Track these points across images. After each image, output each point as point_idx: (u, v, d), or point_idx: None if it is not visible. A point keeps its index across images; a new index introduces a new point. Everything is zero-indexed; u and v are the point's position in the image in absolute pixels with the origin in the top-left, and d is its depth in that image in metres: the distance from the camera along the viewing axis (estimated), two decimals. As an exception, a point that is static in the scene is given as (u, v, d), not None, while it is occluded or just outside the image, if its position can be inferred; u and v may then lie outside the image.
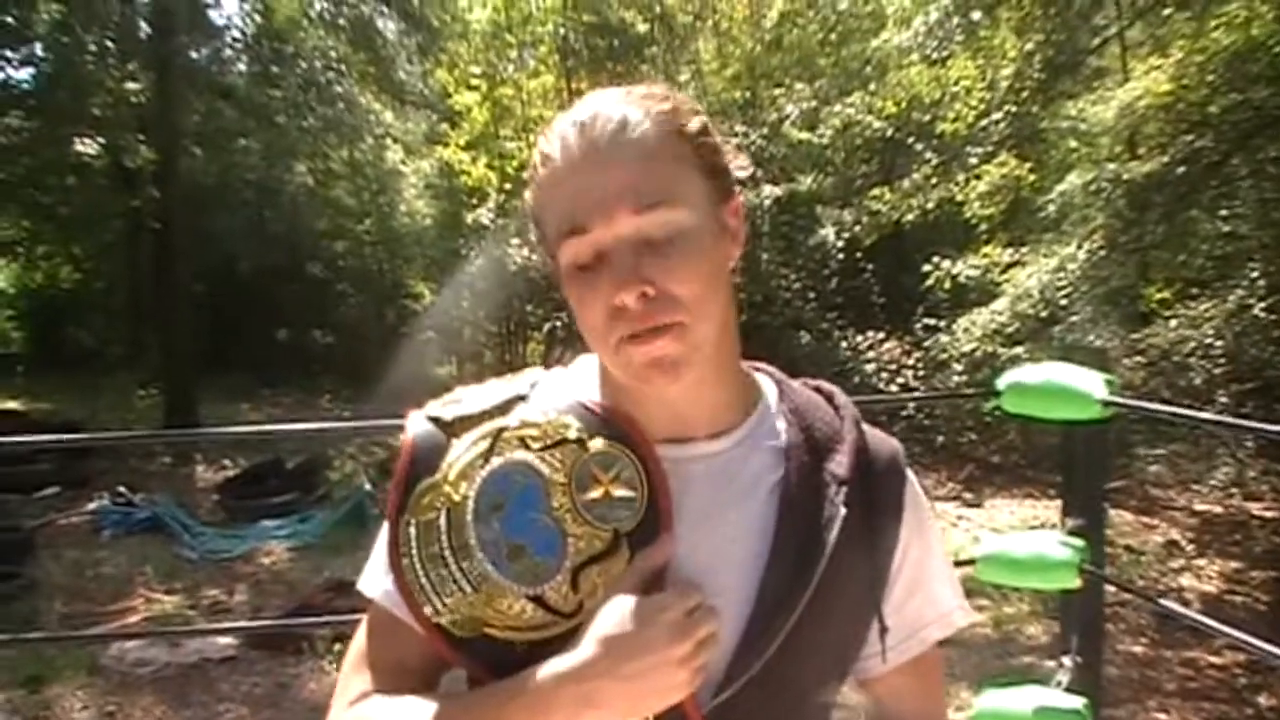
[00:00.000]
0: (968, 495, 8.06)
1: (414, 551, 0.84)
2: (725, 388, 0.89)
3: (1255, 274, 6.75)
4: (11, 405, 11.09)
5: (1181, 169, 6.32)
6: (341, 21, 13.87)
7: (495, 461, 0.85)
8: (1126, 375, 6.53)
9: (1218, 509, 7.28)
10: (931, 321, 9.23)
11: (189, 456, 9.19)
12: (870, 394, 8.17)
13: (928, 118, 9.62)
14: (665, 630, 0.77)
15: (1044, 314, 7.14)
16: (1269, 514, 7.05)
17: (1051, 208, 7.54)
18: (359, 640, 0.89)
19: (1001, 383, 2.03)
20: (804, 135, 10.41)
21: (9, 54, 10.80)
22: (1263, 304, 6.52)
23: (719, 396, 0.88)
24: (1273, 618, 5.42)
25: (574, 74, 11.66)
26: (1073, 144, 8.49)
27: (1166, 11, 7.04)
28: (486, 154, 12.06)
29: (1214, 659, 4.94)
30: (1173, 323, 7.07)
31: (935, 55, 8.38)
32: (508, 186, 11.37)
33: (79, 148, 11.69)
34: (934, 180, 8.48)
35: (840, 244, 10.06)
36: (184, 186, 11.44)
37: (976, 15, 7.55)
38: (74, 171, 11.87)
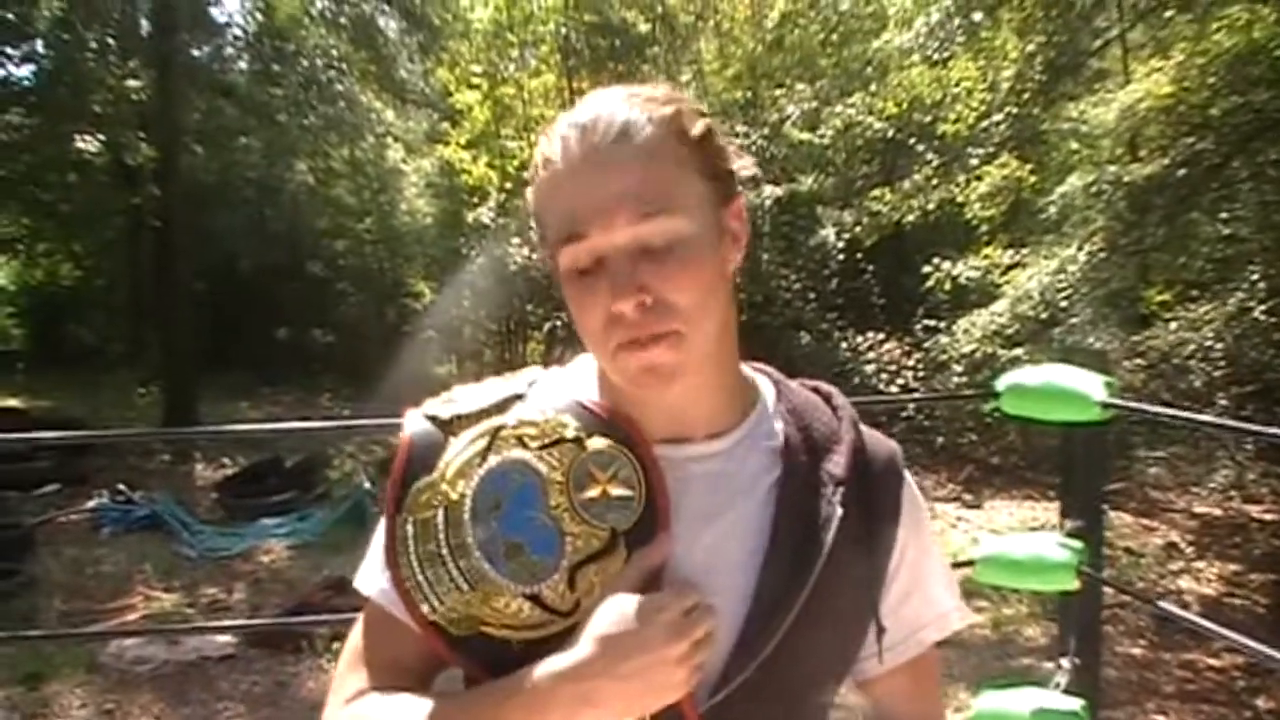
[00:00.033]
0: (967, 496, 8.06)
1: (411, 550, 0.84)
2: (724, 389, 0.89)
3: (1256, 277, 6.74)
4: (12, 402, 11.09)
5: (1182, 171, 6.32)
6: (343, 20, 13.88)
7: (493, 460, 0.85)
8: (1126, 377, 6.52)
9: (1217, 511, 7.28)
10: (931, 322, 9.22)
11: (188, 454, 9.19)
12: (870, 395, 8.17)
13: (929, 119, 9.61)
14: (662, 629, 0.77)
15: (1044, 316, 7.13)
16: (1268, 517, 7.05)
17: (1052, 209, 7.53)
18: (355, 638, 0.89)
19: (1001, 384, 2.03)
20: (805, 136, 10.40)
21: (10, 51, 10.80)
22: (1263, 307, 6.52)
23: (717, 398, 0.88)
24: (1272, 620, 5.42)
25: (575, 73, 11.66)
26: (1074, 146, 8.48)
27: (1168, 14, 7.04)
28: (487, 153, 12.06)
29: (1213, 661, 4.93)
30: (1173, 325, 7.07)
31: (936, 56, 8.38)
32: (508, 186, 11.36)
33: (80, 145, 11.70)
34: (935, 181, 8.47)
35: (841, 245, 10.06)
36: (185, 184, 11.44)
37: (978, 16, 7.55)
38: (75, 169, 11.88)
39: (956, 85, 9.11)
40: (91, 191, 12.22)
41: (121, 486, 7.46)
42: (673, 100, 0.83)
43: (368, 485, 7.28)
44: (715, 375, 0.87)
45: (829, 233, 10.16)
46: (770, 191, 9.82)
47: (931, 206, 8.49)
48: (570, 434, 0.85)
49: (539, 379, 0.91)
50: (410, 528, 0.84)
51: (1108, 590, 2.54)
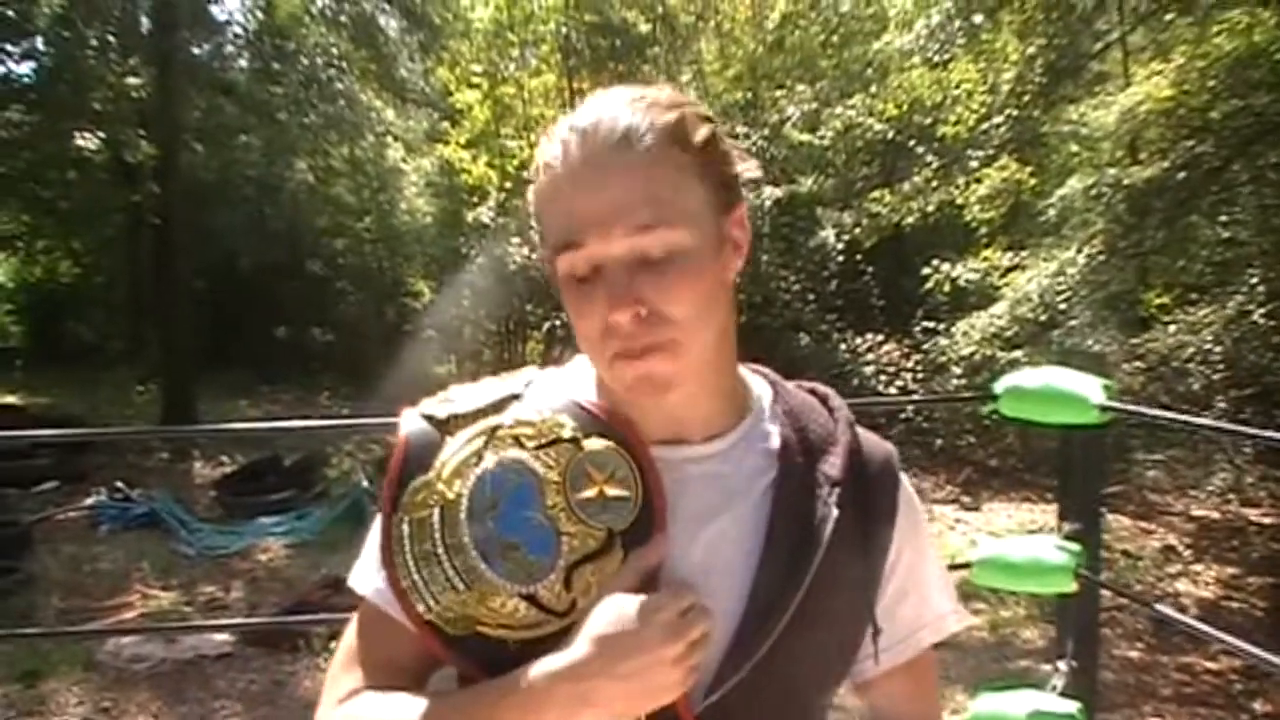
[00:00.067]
0: (965, 498, 8.06)
1: (407, 549, 0.84)
2: (721, 393, 0.89)
3: (1255, 280, 6.75)
4: (10, 400, 11.10)
5: (1182, 174, 6.32)
6: (343, 19, 13.87)
7: (489, 460, 0.84)
8: (1125, 380, 6.53)
9: (1215, 515, 7.28)
10: (931, 324, 9.23)
11: (187, 452, 9.19)
12: (869, 396, 8.18)
13: (929, 121, 9.62)
14: (659, 630, 0.77)
15: (1043, 318, 7.14)
16: (1266, 520, 7.05)
17: (1051, 212, 7.54)
18: (349, 637, 0.89)
19: (999, 387, 2.04)
20: (805, 137, 10.41)
21: (10, 48, 10.80)
22: (1262, 310, 6.52)
23: (715, 401, 0.88)
24: (1269, 624, 5.42)
25: (575, 73, 11.66)
26: (1073, 148, 8.49)
27: (1168, 17, 7.05)
28: (487, 152, 12.06)
29: (1210, 664, 4.94)
30: (1172, 328, 7.07)
31: (937, 58, 8.38)
32: (508, 185, 11.36)
33: (79, 142, 11.68)
34: (934, 183, 8.47)
35: (840, 246, 10.06)
36: (184, 182, 11.43)
37: (978, 19, 7.55)
38: (74, 166, 11.88)
39: (957, 87, 9.12)
40: (91, 189, 12.21)
41: (120, 484, 7.46)
42: (676, 105, 0.82)
43: (366, 484, 7.28)
44: (713, 380, 0.87)
45: (829, 234, 10.16)
46: (770, 193, 9.82)
47: (931, 208, 8.49)
48: (567, 434, 0.85)
49: (536, 379, 0.91)
50: (406, 527, 0.84)
51: (1105, 593, 2.54)
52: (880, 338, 9.98)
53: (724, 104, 10.90)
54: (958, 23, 7.55)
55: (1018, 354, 7.08)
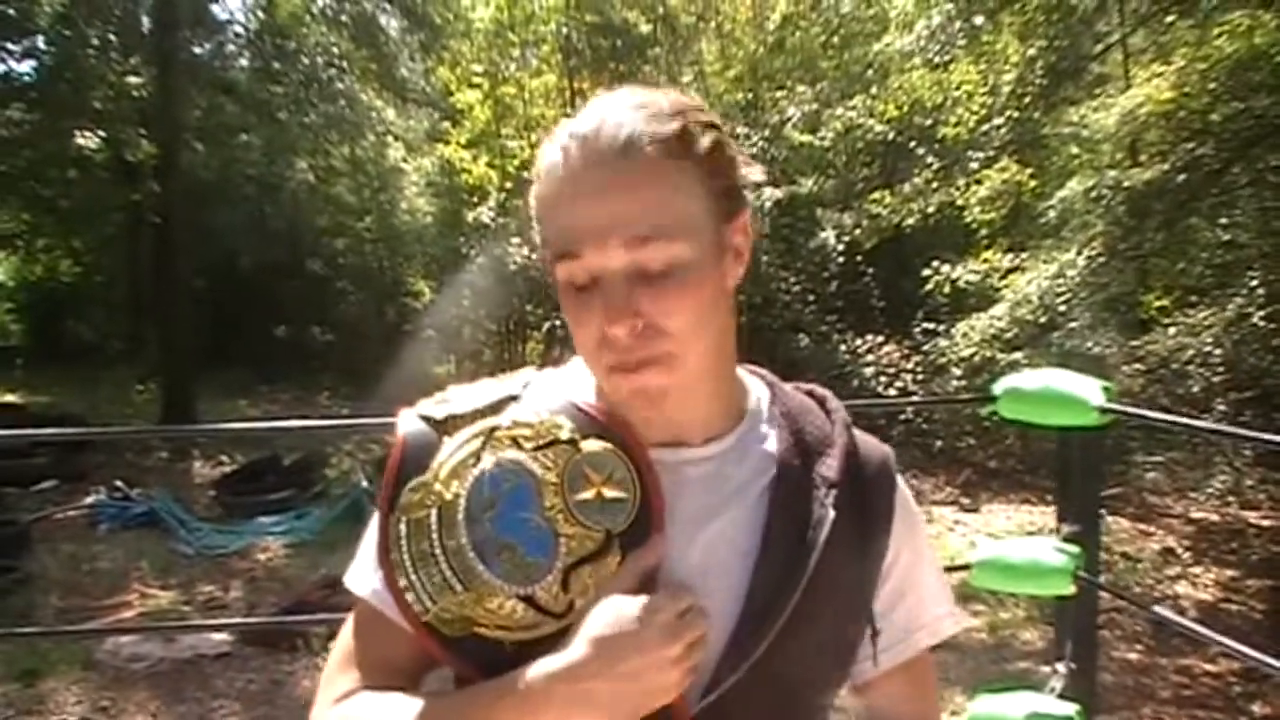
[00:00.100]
0: (965, 500, 8.06)
1: (404, 549, 0.84)
2: (720, 396, 0.89)
3: (1254, 282, 6.75)
4: (10, 398, 11.10)
5: (1182, 177, 6.33)
6: (344, 18, 13.89)
7: (487, 460, 0.84)
8: (1125, 382, 6.53)
9: (1214, 517, 7.28)
10: (931, 326, 9.23)
11: (186, 452, 9.19)
12: (869, 397, 8.18)
13: (929, 122, 9.62)
14: (658, 631, 0.77)
15: (1043, 320, 7.14)
16: (1266, 522, 7.05)
17: (1052, 214, 7.54)
18: (345, 637, 0.89)
19: (998, 388, 2.04)
20: (805, 138, 10.40)
21: (11, 46, 10.82)
22: (1262, 313, 6.53)
23: (714, 405, 0.88)
24: (1269, 626, 5.42)
25: (576, 74, 11.67)
26: (1074, 150, 8.49)
27: (1169, 19, 7.05)
28: (488, 152, 12.07)
29: (1209, 667, 4.94)
30: (1171, 330, 7.08)
31: (937, 60, 8.37)
32: (509, 185, 11.37)
33: (80, 141, 11.70)
34: (935, 185, 8.47)
35: (840, 247, 10.06)
36: (185, 181, 11.43)
37: (979, 20, 7.55)
38: (75, 165, 11.89)
39: (957, 89, 9.12)
40: (91, 188, 12.21)
41: (119, 483, 7.46)
42: (680, 112, 0.80)
43: (365, 484, 7.28)
44: (712, 385, 0.87)
45: (829, 235, 10.16)
46: (770, 193, 9.81)
47: (931, 210, 8.49)
48: (565, 435, 0.85)
49: (534, 380, 0.91)
50: (403, 527, 0.84)
51: (1104, 595, 2.54)
52: (880, 339, 9.98)
53: (724, 105, 10.90)
54: (958, 24, 7.55)
55: (1018, 355, 7.08)
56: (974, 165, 8.30)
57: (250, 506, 7.37)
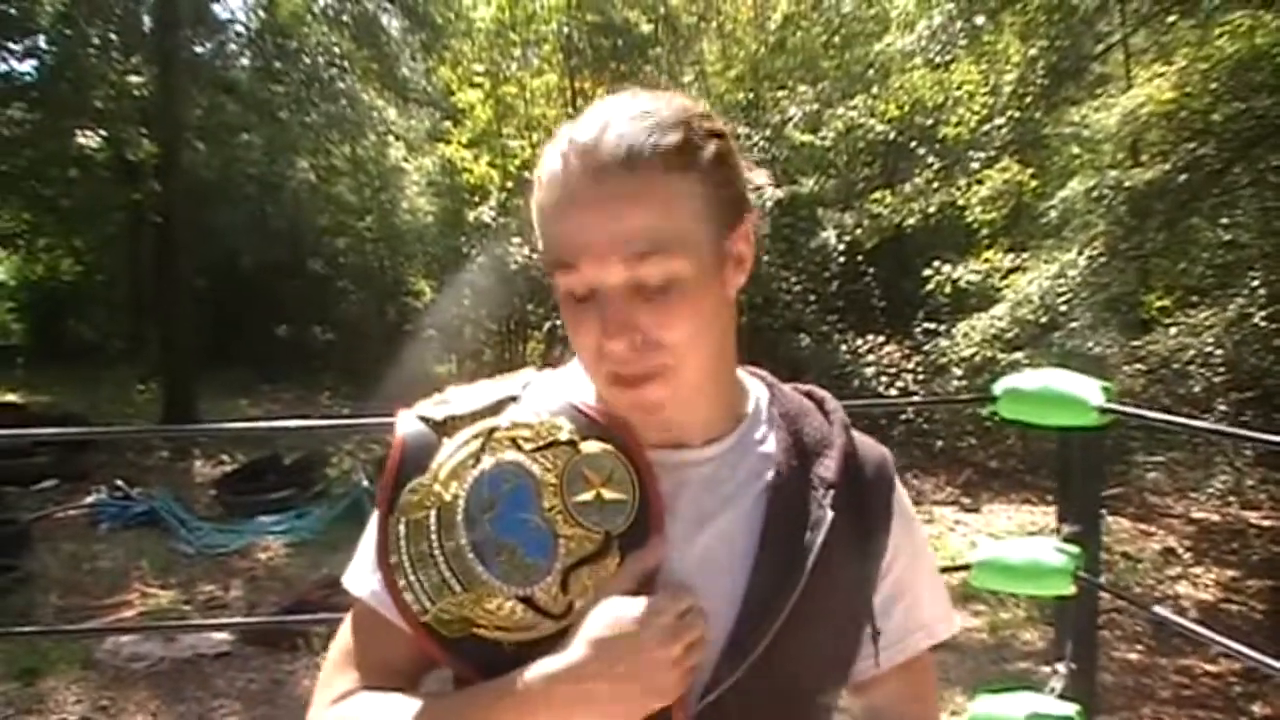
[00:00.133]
0: (965, 500, 8.06)
1: (403, 550, 0.83)
2: (720, 399, 0.89)
3: (1256, 283, 6.75)
4: (11, 398, 11.11)
5: (1183, 177, 6.32)
6: (345, 18, 13.89)
7: (486, 461, 0.84)
8: (1126, 382, 6.53)
9: (1215, 517, 7.28)
10: (932, 326, 9.23)
11: (187, 451, 9.19)
12: (870, 398, 8.19)
13: (930, 122, 9.61)
14: (657, 632, 0.77)
15: (1044, 320, 7.13)
16: (1266, 523, 7.05)
17: (1053, 214, 7.53)
18: (343, 637, 0.89)
19: (999, 388, 2.04)
20: (806, 138, 10.40)
21: (12, 46, 10.83)
22: (1263, 313, 6.52)
23: (714, 408, 0.88)
24: (1269, 626, 5.42)
25: (577, 73, 11.66)
26: (1075, 150, 8.48)
27: (1170, 19, 7.04)
28: (489, 152, 12.06)
29: (1209, 667, 4.93)
30: (1172, 330, 7.07)
31: (939, 59, 8.37)
32: (510, 185, 11.36)
33: (81, 140, 11.71)
34: (936, 184, 8.46)
35: (841, 247, 10.05)
36: (186, 180, 11.43)
37: (980, 20, 7.55)
38: (76, 164, 11.89)
39: (958, 89, 9.11)
40: (93, 187, 12.22)
41: (120, 482, 7.46)
42: (684, 120, 0.79)
43: (366, 483, 7.28)
44: (712, 389, 0.87)
45: (830, 235, 10.16)
46: (771, 193, 9.80)
47: (932, 210, 8.49)
48: (564, 437, 0.85)
49: (533, 381, 0.91)
50: (402, 528, 0.84)
51: (1104, 595, 2.54)
52: (881, 339, 9.98)
53: (726, 104, 10.89)
54: (959, 24, 7.55)
55: (1018, 355, 7.07)
56: (975, 165, 8.30)
57: (251, 506, 7.37)
